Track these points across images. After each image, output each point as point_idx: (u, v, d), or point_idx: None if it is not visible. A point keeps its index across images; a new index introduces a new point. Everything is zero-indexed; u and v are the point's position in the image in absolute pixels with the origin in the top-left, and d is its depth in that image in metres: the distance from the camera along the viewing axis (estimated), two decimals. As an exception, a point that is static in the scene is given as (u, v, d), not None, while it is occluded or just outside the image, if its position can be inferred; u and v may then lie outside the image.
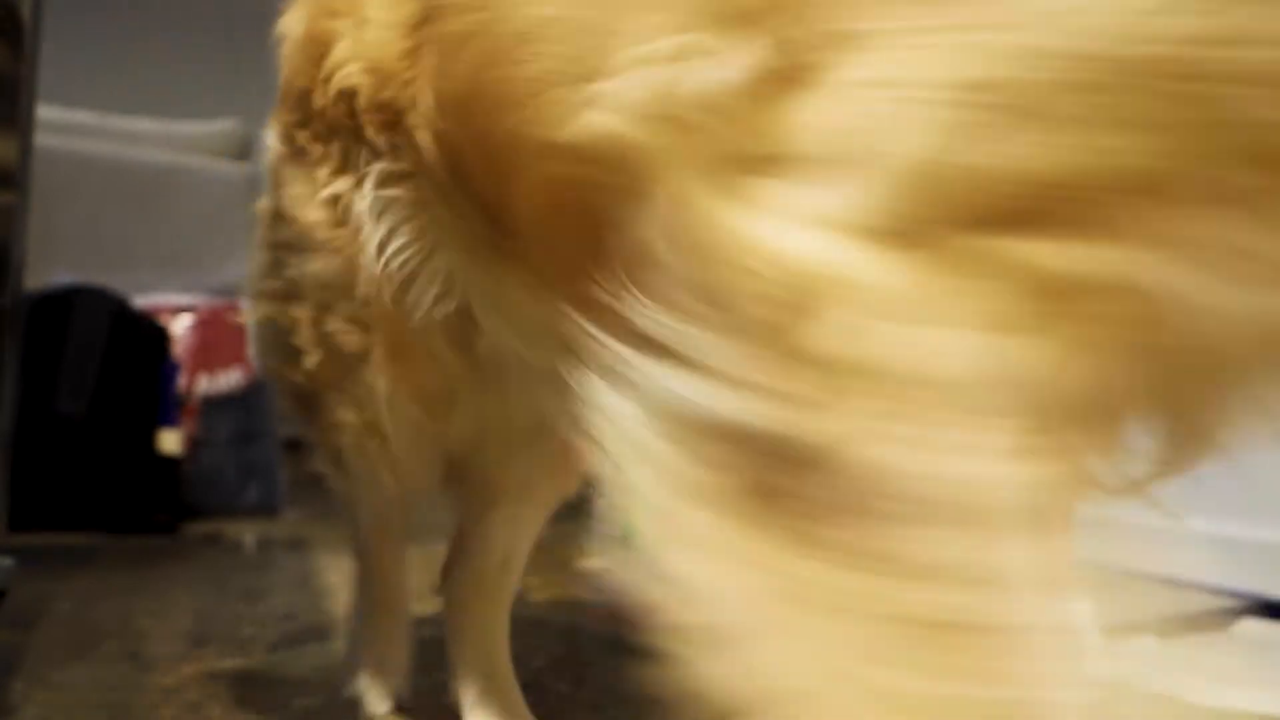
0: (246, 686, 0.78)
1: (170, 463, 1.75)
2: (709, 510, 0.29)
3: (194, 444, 1.89)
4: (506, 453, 0.70)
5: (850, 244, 0.27)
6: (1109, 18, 0.25)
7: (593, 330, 0.33)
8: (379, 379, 0.62)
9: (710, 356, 0.29)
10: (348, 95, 0.57)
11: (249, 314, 0.79)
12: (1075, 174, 0.26)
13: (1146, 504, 0.38)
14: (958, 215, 0.27)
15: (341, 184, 0.60)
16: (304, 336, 0.65)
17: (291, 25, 0.64)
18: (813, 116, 0.29)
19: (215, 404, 1.97)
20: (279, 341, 0.67)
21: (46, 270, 2.15)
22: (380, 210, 0.57)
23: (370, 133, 0.57)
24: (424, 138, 0.53)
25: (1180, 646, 0.98)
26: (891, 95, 0.27)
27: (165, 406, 1.79)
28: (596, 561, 1.46)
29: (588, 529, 1.76)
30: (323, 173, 0.62)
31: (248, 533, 1.68)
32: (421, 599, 0.76)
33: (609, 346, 0.32)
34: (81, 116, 2.44)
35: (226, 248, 2.50)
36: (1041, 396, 0.27)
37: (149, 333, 1.83)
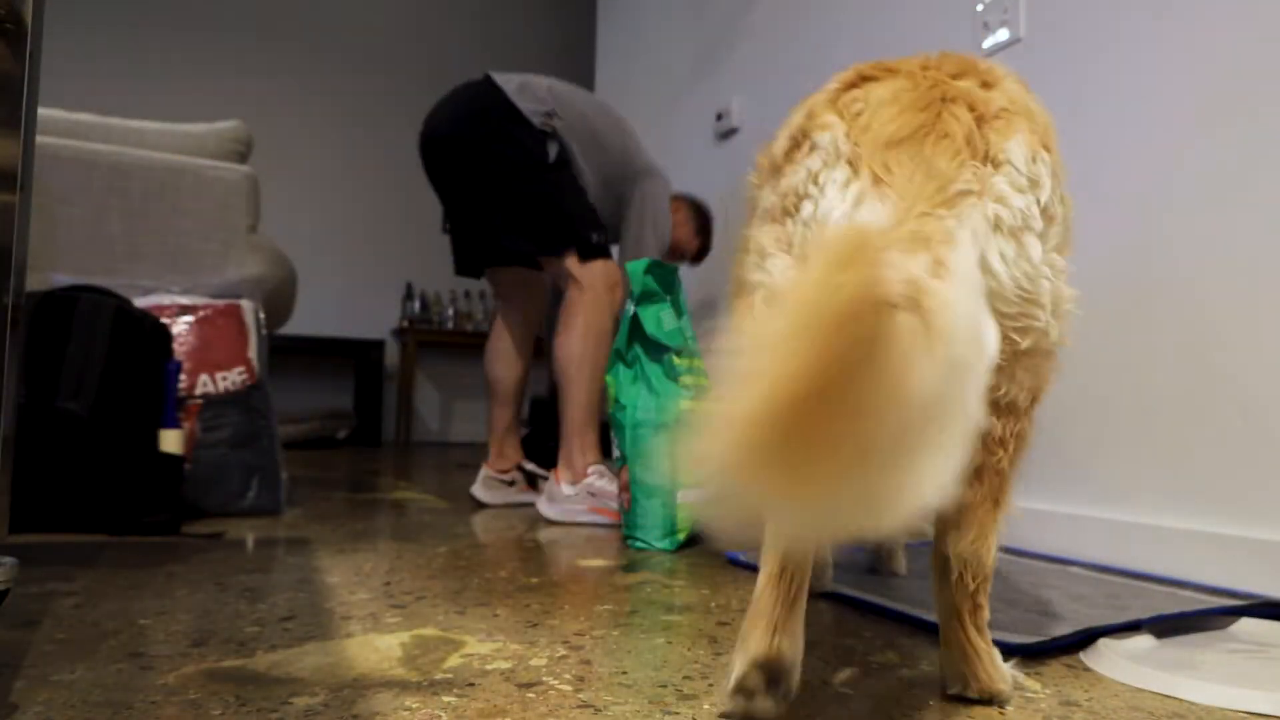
0: (246, 686, 0.78)
1: (172, 462, 1.75)
2: None
3: (195, 444, 1.89)
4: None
5: None
6: None
7: None
8: None
9: None
10: None
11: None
12: None
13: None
14: None
15: None
16: None
17: None
18: None
19: (216, 404, 1.97)
20: None
21: (47, 270, 2.15)
22: None
23: None
24: None
25: (1180, 646, 0.98)
26: None
27: (169, 406, 1.79)
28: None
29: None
30: None
31: (248, 533, 1.68)
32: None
33: None
34: (83, 116, 2.45)
35: (226, 248, 2.50)
36: None
37: (152, 332, 1.83)
